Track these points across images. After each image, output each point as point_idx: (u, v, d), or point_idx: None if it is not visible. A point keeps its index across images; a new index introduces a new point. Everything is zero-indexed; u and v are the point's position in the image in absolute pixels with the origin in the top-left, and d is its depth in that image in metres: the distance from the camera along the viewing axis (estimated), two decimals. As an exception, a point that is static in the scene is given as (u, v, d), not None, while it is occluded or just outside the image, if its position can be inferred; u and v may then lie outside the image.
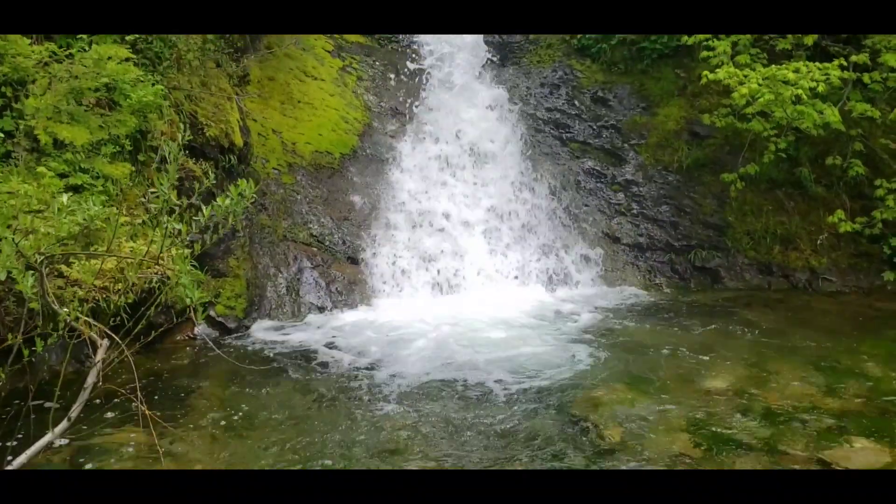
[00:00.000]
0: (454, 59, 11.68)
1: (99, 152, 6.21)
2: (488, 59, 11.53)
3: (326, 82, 10.60)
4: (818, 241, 8.46)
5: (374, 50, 11.77)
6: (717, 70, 7.33)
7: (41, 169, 5.62)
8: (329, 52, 11.17)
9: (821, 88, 6.82)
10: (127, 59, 6.54)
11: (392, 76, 11.34)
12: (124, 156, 6.68)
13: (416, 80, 11.31)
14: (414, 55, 11.85)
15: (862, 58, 7.19)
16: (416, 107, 10.72)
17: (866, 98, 7.77)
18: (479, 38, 11.98)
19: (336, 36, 11.57)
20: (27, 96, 6.18)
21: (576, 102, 10.41)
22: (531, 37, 11.66)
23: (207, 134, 8.03)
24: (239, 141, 8.42)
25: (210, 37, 8.58)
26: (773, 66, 7.19)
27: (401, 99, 10.94)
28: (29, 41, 6.22)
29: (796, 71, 7.01)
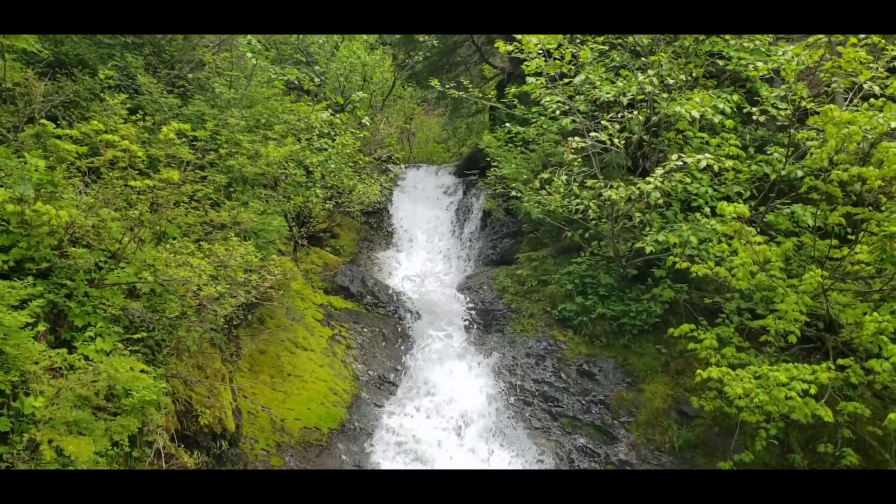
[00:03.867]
0: (439, 325, 12.00)
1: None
2: (470, 325, 11.86)
3: (316, 352, 10.70)
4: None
5: (362, 316, 12.07)
6: (710, 368, 7.60)
7: None
8: (319, 320, 11.40)
9: (812, 391, 7.10)
10: (128, 350, 6.54)
11: (381, 342, 11.53)
12: (119, 458, 6.48)
13: (404, 346, 11.51)
14: (399, 319, 12.16)
15: (848, 361, 7.58)
16: (404, 375, 10.80)
17: (850, 388, 8.09)
18: (464, 304, 12.43)
19: (325, 303, 11.89)
20: (27, 394, 6.05)
21: (562, 375, 10.60)
22: (513, 306, 12.12)
23: (201, 422, 7.90)
24: (231, 426, 8.28)
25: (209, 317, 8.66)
26: (766, 366, 7.50)
27: (389, 366, 11.04)
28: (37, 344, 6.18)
29: (787, 370, 7.32)
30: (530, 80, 10.14)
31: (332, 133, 11.26)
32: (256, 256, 8.12)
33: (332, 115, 10.99)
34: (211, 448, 8.03)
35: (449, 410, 10.20)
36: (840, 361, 7.54)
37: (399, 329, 11.99)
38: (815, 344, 8.97)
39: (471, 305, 12.54)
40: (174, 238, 8.12)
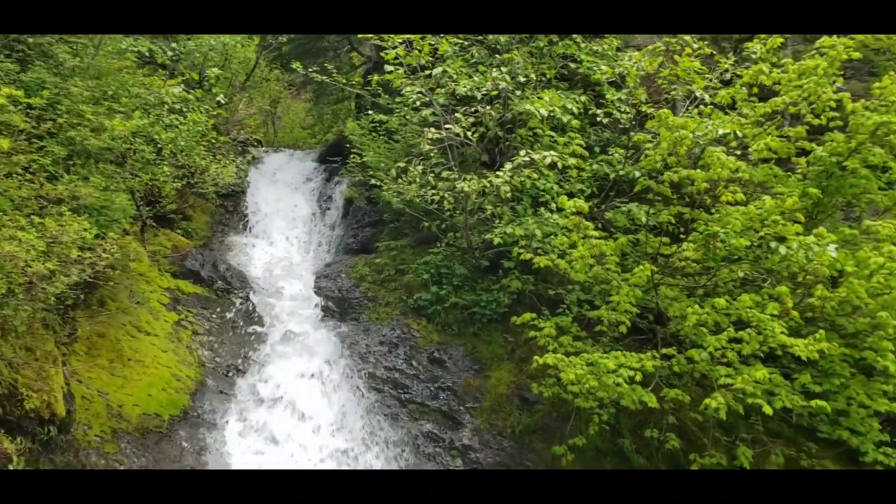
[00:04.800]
0: (294, 311, 11.87)
1: None
2: (326, 313, 11.82)
3: (160, 337, 10.32)
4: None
5: (212, 301, 11.74)
6: (546, 355, 7.96)
7: None
8: (165, 305, 10.99)
9: (638, 378, 7.59)
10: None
11: (229, 329, 11.27)
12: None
13: (254, 333, 11.31)
14: (252, 306, 11.93)
15: (671, 350, 8.14)
16: (253, 363, 10.62)
17: (676, 377, 8.69)
18: (320, 292, 12.35)
19: (173, 287, 11.48)
20: None
21: (414, 362, 10.76)
22: (370, 294, 12.17)
23: (27, 406, 7.47)
24: (61, 410, 7.88)
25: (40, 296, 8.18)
26: (597, 354, 7.93)
27: (237, 353, 10.81)
28: None
29: (616, 358, 7.79)
30: (389, 68, 10.21)
31: (185, 110, 10.87)
32: (91, 233, 7.73)
33: (184, 91, 10.60)
34: (37, 434, 7.62)
35: (299, 399, 10.12)
36: (664, 351, 8.09)
37: (251, 316, 11.76)
38: (647, 335, 9.57)
39: (327, 293, 12.47)
40: (2, 211, 7.61)
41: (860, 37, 9.26)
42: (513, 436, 9.71)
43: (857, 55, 8.33)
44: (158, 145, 10.54)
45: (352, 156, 13.13)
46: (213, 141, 11.92)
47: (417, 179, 10.10)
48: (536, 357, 8.09)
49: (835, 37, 8.27)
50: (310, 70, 13.22)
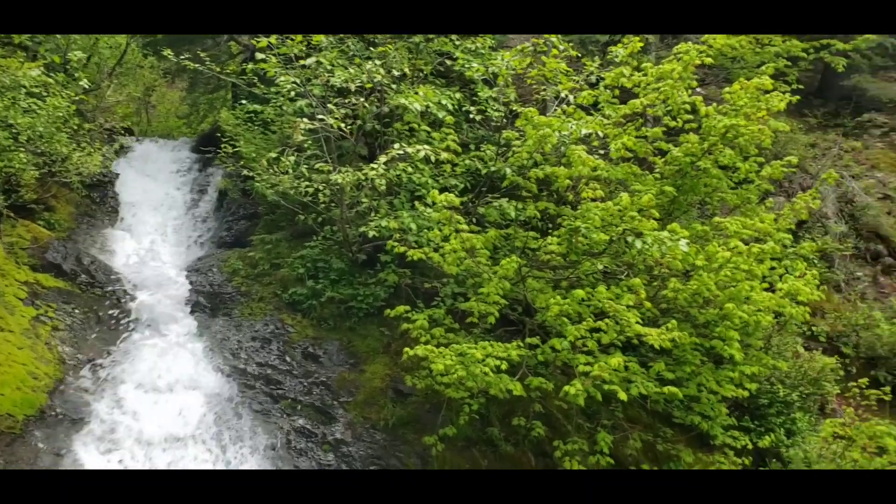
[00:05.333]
0: (162, 307, 11.46)
1: None
2: (196, 308, 11.49)
3: (15, 334, 9.74)
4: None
5: (75, 296, 11.17)
6: (417, 347, 8.06)
7: None
8: (22, 299, 10.37)
9: (504, 367, 7.80)
10: None
11: (93, 324, 10.77)
12: None
13: (121, 329, 10.86)
14: (117, 300, 11.44)
15: (535, 340, 8.41)
16: (119, 359, 10.19)
17: (543, 366, 8.99)
18: (191, 287, 11.98)
19: (32, 281, 10.85)
20: None
21: (287, 358, 10.62)
22: (243, 289, 11.91)
23: None
24: None
25: None
26: (465, 343, 8.09)
27: (101, 349, 10.34)
28: None
29: (484, 348, 7.98)
30: (261, 56, 10.03)
31: (45, 94, 10.29)
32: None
33: (44, 74, 10.03)
34: None
35: (167, 396, 9.79)
36: (528, 340, 8.34)
37: (117, 311, 11.26)
38: (517, 326, 9.84)
39: (198, 288, 12.10)
40: None
41: (717, 44, 9.88)
42: (386, 428, 9.75)
43: (709, 60, 8.87)
44: (15, 131, 9.94)
45: (223, 145, 12.81)
46: (77, 128, 11.34)
47: (290, 170, 9.97)
48: (407, 349, 8.17)
49: (690, 42, 8.78)
50: (182, 57, 12.78)
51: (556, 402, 9.28)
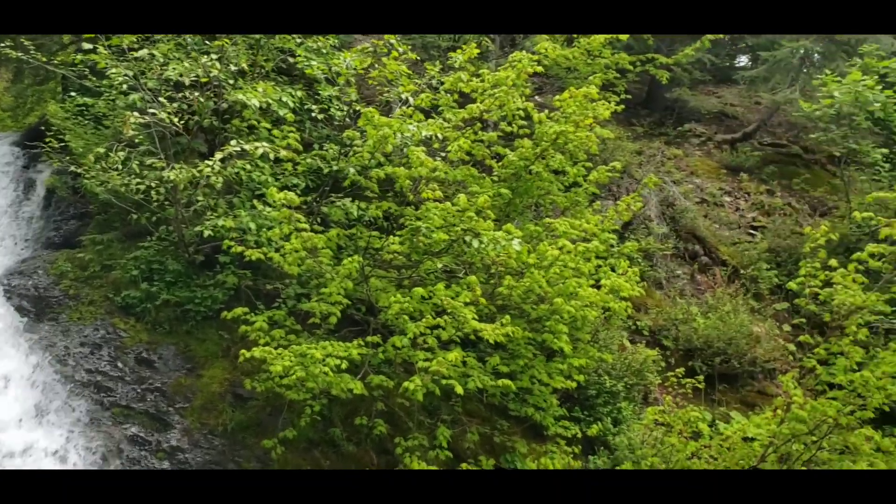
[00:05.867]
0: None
1: None
2: (19, 313, 10.71)
3: None
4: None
5: None
6: (254, 349, 7.92)
7: None
8: None
9: (344, 366, 7.81)
10: None
11: None
12: None
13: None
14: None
15: (375, 338, 8.48)
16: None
17: (388, 364, 9.07)
18: (13, 291, 11.14)
19: None
20: None
21: (119, 364, 10.12)
22: (71, 292, 11.20)
23: None
24: None
25: None
26: (305, 344, 8.04)
27: None
28: None
29: (324, 348, 7.95)
30: (88, 46, 9.51)
31: None
32: None
33: None
34: None
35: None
36: (369, 339, 8.40)
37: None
38: (362, 326, 9.87)
39: (21, 292, 11.27)
40: None
41: (553, 54, 10.39)
42: (225, 433, 9.50)
43: (540, 69, 9.32)
44: None
45: (50, 140, 12.01)
46: None
47: (120, 167, 9.50)
48: (244, 351, 8.01)
49: (523, 51, 9.17)
50: (2, 45, 11.85)
51: (399, 399, 9.41)
